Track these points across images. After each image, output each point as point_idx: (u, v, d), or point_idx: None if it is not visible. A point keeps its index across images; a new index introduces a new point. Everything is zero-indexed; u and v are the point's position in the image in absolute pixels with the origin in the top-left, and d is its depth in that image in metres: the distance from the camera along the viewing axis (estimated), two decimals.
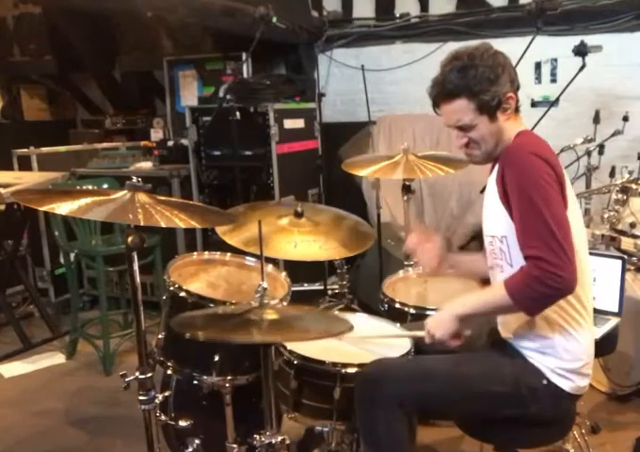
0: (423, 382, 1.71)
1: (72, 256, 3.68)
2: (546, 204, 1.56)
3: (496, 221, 1.74)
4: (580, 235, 1.68)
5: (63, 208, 1.53)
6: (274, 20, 3.62)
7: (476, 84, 1.66)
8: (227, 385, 1.99)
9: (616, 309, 2.37)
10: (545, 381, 1.69)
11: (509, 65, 1.72)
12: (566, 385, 1.69)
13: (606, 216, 3.14)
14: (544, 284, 1.53)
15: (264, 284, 1.64)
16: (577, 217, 1.70)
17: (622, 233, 3.02)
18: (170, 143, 4.40)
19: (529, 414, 1.70)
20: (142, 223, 1.54)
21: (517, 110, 1.76)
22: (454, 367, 1.76)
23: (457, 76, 1.67)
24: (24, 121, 5.64)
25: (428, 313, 2.21)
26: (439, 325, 1.72)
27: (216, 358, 1.98)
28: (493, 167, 1.79)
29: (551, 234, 1.54)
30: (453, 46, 1.79)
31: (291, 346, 1.90)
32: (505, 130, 1.74)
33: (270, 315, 1.60)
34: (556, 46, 4.09)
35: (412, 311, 2.24)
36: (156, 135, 4.83)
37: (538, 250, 1.54)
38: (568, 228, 1.59)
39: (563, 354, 1.69)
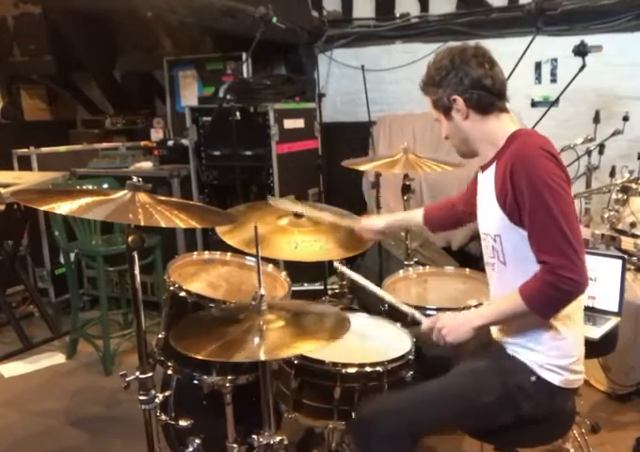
0: (412, 413, 1.70)
1: (72, 256, 3.68)
2: (558, 207, 1.55)
3: (490, 219, 1.74)
4: None
5: (63, 208, 1.52)
6: (274, 20, 3.62)
7: (427, 83, 1.79)
8: (227, 385, 1.98)
9: (615, 309, 2.38)
10: (534, 378, 1.69)
11: (460, 68, 1.69)
12: (556, 379, 1.69)
13: (606, 215, 3.14)
14: (559, 289, 1.54)
15: (262, 291, 1.65)
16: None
17: (622, 232, 3.01)
18: (170, 143, 4.41)
19: (525, 414, 1.70)
20: (142, 223, 1.54)
21: (485, 111, 1.71)
22: (439, 391, 1.74)
23: (424, 72, 1.80)
24: (24, 121, 5.64)
25: (428, 313, 2.21)
26: (454, 331, 1.72)
27: None
28: (489, 165, 1.77)
29: (564, 238, 1.54)
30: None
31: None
32: (470, 129, 1.74)
33: (272, 324, 1.62)
34: (556, 46, 4.09)
35: None
36: (156, 135, 4.83)
37: (553, 256, 1.55)
38: (578, 229, 1.59)
39: (551, 351, 1.69)
